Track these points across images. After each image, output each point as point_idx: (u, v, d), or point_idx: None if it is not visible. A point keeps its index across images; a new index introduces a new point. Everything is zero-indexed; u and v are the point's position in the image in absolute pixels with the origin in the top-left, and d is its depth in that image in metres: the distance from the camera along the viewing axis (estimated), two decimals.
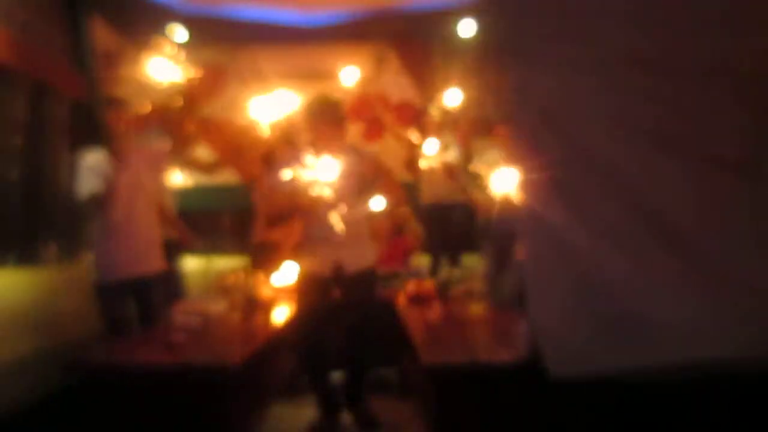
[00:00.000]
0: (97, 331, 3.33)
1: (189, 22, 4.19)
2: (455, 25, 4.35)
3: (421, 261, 4.95)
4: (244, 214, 4.92)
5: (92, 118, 3.75)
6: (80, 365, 2.60)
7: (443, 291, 3.81)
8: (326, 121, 3.29)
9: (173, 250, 4.00)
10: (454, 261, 4.92)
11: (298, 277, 3.52)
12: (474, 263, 4.79)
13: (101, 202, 3.28)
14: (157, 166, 3.72)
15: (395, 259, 4.68)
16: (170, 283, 3.90)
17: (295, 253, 3.64)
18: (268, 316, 3.52)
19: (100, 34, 4.10)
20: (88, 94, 3.90)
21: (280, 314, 3.56)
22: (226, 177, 5.04)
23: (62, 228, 3.71)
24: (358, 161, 3.34)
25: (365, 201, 3.33)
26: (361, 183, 3.33)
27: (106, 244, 3.39)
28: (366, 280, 3.45)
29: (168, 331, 2.98)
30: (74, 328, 3.39)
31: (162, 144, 3.83)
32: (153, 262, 3.53)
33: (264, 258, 4.26)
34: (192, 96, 3.79)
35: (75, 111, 3.80)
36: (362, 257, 3.43)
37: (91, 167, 3.32)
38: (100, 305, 3.37)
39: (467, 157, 4.21)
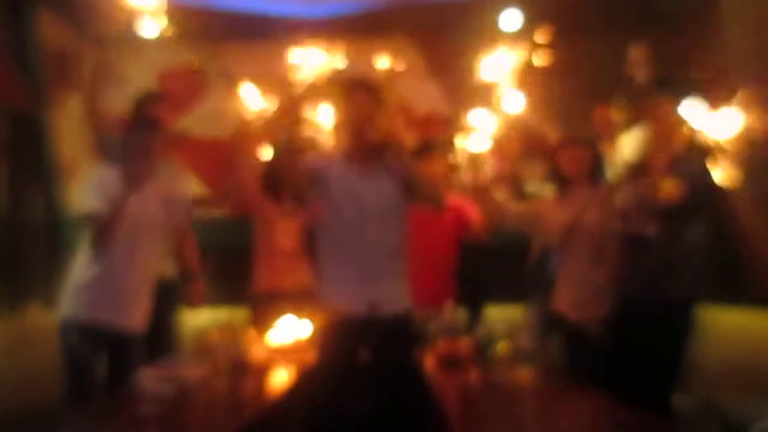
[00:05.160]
0: (48, 395, 3.22)
1: (164, 13, 3.99)
2: (495, 16, 4.14)
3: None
4: (232, 253, 4.60)
5: (38, 133, 3.63)
6: None
7: (483, 352, 3.56)
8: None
9: (169, 296, 3.82)
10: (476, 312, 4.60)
11: (317, 324, 3.35)
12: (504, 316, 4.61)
13: (99, 226, 3.22)
14: (177, 211, 3.66)
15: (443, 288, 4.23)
16: (161, 340, 3.74)
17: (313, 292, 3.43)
18: (261, 383, 3.35)
19: (49, 29, 3.94)
20: (34, 103, 3.77)
21: (277, 380, 3.38)
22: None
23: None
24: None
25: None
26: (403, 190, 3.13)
27: (89, 277, 3.31)
28: (406, 328, 3.27)
29: (134, 401, 2.81)
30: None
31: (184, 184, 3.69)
32: (137, 319, 3.43)
33: (268, 312, 3.96)
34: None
35: (17, 123, 3.68)
36: (401, 294, 3.23)
37: (96, 185, 3.28)
38: (63, 353, 3.26)
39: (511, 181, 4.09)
